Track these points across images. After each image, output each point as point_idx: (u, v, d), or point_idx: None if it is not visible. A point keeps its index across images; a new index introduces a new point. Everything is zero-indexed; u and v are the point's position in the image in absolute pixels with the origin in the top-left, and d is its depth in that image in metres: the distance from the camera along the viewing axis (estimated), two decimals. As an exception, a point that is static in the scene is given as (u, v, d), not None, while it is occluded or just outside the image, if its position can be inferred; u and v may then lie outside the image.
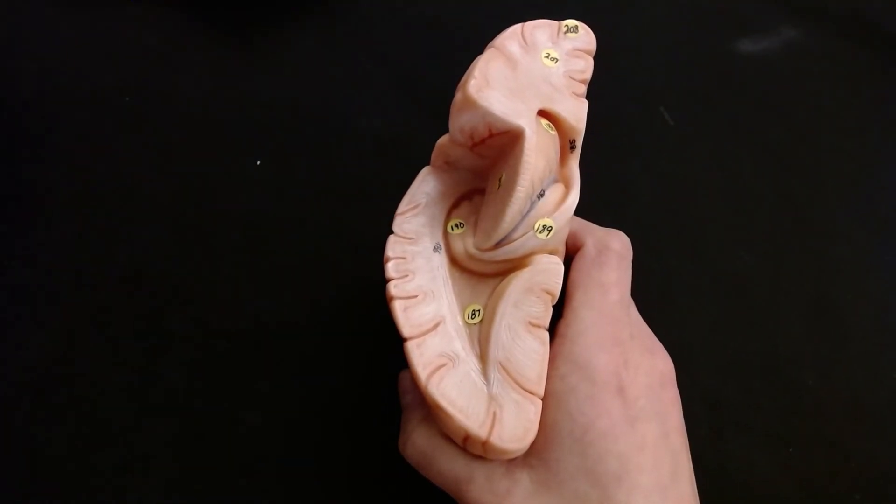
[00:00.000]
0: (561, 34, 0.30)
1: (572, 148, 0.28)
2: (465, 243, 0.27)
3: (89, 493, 0.31)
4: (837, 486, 0.34)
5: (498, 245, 0.26)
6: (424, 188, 0.29)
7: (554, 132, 0.27)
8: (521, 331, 0.25)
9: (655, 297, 0.38)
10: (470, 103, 0.26)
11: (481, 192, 0.29)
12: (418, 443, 0.27)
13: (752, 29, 0.47)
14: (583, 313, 0.26)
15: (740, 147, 0.42)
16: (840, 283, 0.39)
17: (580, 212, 0.30)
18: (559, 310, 0.27)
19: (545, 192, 0.26)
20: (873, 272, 0.39)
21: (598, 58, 0.45)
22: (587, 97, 0.29)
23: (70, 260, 0.35)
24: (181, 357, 0.34)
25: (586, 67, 0.29)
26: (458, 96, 0.26)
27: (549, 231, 0.26)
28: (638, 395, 0.25)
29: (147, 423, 0.33)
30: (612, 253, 0.27)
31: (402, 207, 0.29)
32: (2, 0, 0.43)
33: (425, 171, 0.30)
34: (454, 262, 0.28)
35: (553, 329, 0.26)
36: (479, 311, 0.27)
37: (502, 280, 0.27)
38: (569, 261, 0.28)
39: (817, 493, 0.33)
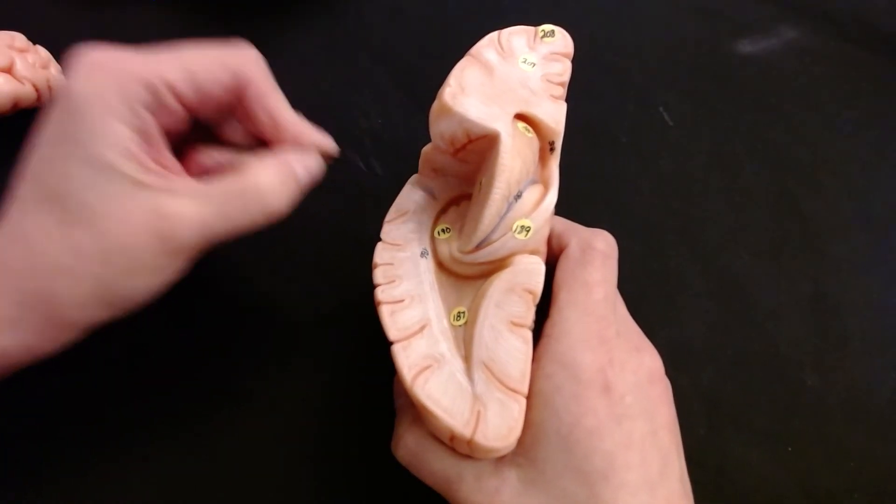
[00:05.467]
0: (538, 39, 0.30)
1: (552, 149, 0.28)
2: (450, 247, 0.28)
3: (87, 493, 0.31)
4: (837, 486, 0.34)
5: (479, 247, 0.27)
6: (412, 196, 0.30)
7: (532, 135, 0.27)
8: (504, 330, 0.25)
9: (655, 297, 0.38)
10: (446, 110, 0.26)
11: (468, 197, 0.30)
12: (409, 444, 0.27)
13: (752, 29, 0.47)
14: (567, 312, 0.26)
15: (740, 147, 0.42)
16: (840, 282, 0.39)
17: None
18: (547, 310, 0.27)
19: (522, 194, 0.27)
20: (873, 272, 0.39)
21: (599, 58, 0.45)
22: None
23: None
24: (179, 356, 0.34)
25: (564, 70, 0.29)
26: (435, 104, 0.27)
27: (528, 231, 0.26)
28: (624, 392, 0.25)
29: (144, 421, 0.33)
30: (597, 252, 0.28)
31: (390, 215, 0.30)
32: (7, 1, 0.44)
33: (413, 178, 0.31)
34: (441, 266, 0.29)
35: (540, 329, 0.26)
36: (464, 312, 0.27)
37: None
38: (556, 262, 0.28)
39: (816, 492, 0.33)
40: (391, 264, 0.28)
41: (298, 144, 0.28)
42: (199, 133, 0.29)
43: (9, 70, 0.37)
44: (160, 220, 0.24)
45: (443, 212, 0.30)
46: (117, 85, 0.23)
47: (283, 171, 0.26)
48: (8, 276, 0.23)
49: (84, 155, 0.23)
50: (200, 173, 0.27)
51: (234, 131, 0.29)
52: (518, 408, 0.24)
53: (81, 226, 0.23)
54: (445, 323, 0.27)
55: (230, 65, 0.26)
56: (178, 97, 0.25)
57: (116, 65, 0.24)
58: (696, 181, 0.41)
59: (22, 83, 0.37)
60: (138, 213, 0.23)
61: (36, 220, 0.23)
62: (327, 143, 0.29)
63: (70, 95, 0.23)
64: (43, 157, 0.24)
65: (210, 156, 0.28)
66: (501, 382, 0.25)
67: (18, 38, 0.39)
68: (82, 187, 0.23)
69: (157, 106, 0.24)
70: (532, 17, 0.32)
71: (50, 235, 0.23)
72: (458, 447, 0.25)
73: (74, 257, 0.23)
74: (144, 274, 0.24)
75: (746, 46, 0.46)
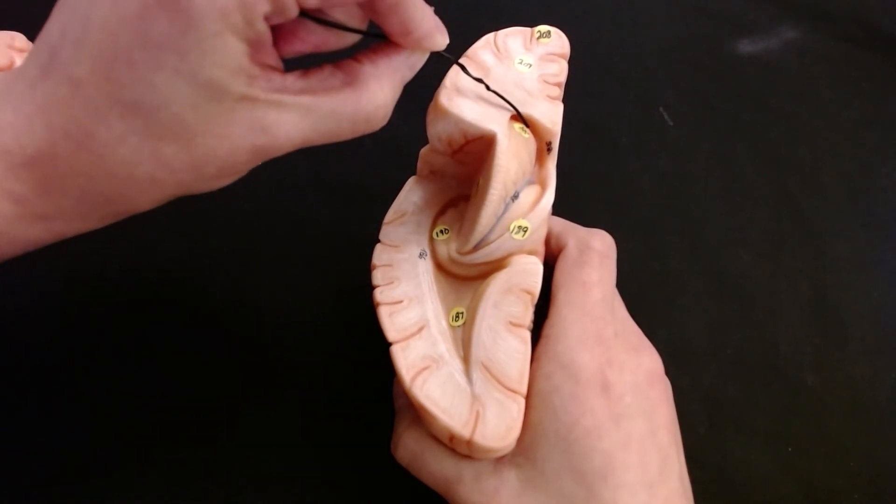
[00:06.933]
0: (534, 40, 0.30)
1: (549, 150, 0.28)
2: (448, 248, 0.28)
3: (87, 494, 0.31)
4: (837, 486, 0.34)
5: (476, 248, 0.27)
6: (411, 197, 0.30)
7: (528, 135, 0.27)
8: (502, 331, 0.25)
9: (655, 297, 0.38)
10: (441, 112, 0.26)
11: (466, 198, 0.30)
12: (408, 444, 0.27)
13: (752, 29, 0.47)
14: (565, 313, 0.26)
15: (740, 147, 0.43)
16: (840, 282, 0.39)
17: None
18: (546, 310, 0.27)
19: (519, 194, 0.27)
20: (873, 272, 0.39)
21: (599, 58, 0.45)
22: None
23: (68, 260, 0.35)
24: (179, 356, 0.34)
25: (560, 71, 0.29)
26: (431, 105, 0.27)
27: (525, 232, 0.26)
28: (623, 392, 0.25)
29: (145, 421, 0.33)
30: (594, 252, 0.27)
31: (388, 217, 0.30)
32: (7, 1, 0.44)
33: (412, 180, 0.31)
34: (439, 266, 0.29)
35: (539, 329, 0.26)
36: (462, 313, 0.27)
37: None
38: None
39: (816, 492, 0.33)
40: (390, 265, 0.28)
41: (418, 47, 0.24)
42: None
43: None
44: (262, 134, 0.21)
45: (441, 213, 0.30)
46: None
47: (396, 81, 0.24)
48: (73, 177, 0.21)
49: (189, 72, 0.20)
50: (298, 50, 0.24)
51: (343, 13, 0.24)
52: (517, 408, 0.24)
53: (173, 141, 0.21)
54: (444, 324, 0.27)
55: None
56: (303, 5, 0.21)
57: None
58: (696, 181, 0.41)
59: (22, 83, 0.37)
60: (240, 128, 0.21)
61: (113, 128, 0.20)
62: (443, 42, 0.25)
63: None
64: (129, 62, 0.20)
65: (312, 32, 0.24)
66: (500, 383, 0.25)
67: (18, 38, 0.39)
68: (181, 105, 0.20)
69: (277, 16, 0.21)
70: (532, 18, 0.32)
71: (131, 147, 0.21)
72: (458, 447, 0.25)
73: (160, 169, 0.21)
74: (228, 177, 0.23)
75: (746, 46, 0.46)
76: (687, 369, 0.36)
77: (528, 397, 0.25)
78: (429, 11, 0.24)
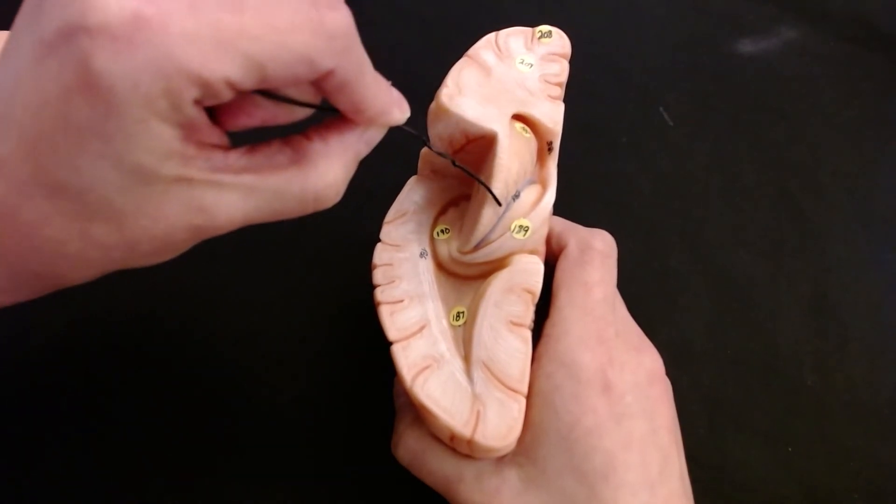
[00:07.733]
0: (535, 40, 0.30)
1: (550, 149, 0.28)
2: (449, 247, 0.28)
3: (87, 494, 0.31)
4: (837, 486, 0.34)
5: (477, 247, 0.27)
6: (412, 197, 0.30)
7: (529, 135, 0.28)
8: (503, 330, 0.25)
9: (655, 297, 0.38)
10: (443, 111, 0.26)
11: (467, 198, 0.30)
12: (409, 443, 0.27)
13: (752, 29, 0.47)
14: (567, 312, 0.26)
15: (740, 147, 0.43)
16: (839, 282, 0.39)
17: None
18: (547, 310, 0.27)
19: (520, 194, 0.27)
20: (872, 272, 0.39)
21: (599, 58, 0.45)
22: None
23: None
24: (178, 355, 0.34)
25: (561, 70, 0.29)
26: (432, 105, 0.27)
27: (526, 231, 0.26)
28: (624, 392, 0.25)
29: (145, 422, 0.33)
30: (595, 252, 0.28)
31: (389, 216, 0.30)
32: (7, 1, 0.44)
33: (413, 180, 0.31)
34: (440, 266, 0.29)
35: (540, 329, 0.27)
36: (463, 312, 0.27)
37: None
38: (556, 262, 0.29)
39: (816, 492, 0.33)
40: (390, 265, 0.28)
41: (373, 124, 0.23)
42: None
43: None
44: (200, 214, 0.21)
45: (442, 212, 0.30)
46: (163, 79, 0.18)
47: (348, 158, 0.23)
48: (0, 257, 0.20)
49: (114, 156, 0.19)
50: (244, 125, 0.23)
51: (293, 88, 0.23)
52: (517, 407, 0.24)
53: (103, 222, 0.20)
54: (445, 323, 0.27)
55: (311, 55, 0.20)
56: (237, 89, 0.20)
57: (160, 48, 0.18)
58: (696, 181, 0.41)
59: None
60: (176, 208, 0.20)
61: (38, 207, 0.19)
62: (401, 117, 0.24)
63: (95, 79, 0.18)
64: (52, 144, 0.19)
65: (259, 107, 0.22)
66: (501, 382, 0.25)
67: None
68: (107, 188, 0.19)
69: (210, 99, 0.19)
70: (533, 18, 0.32)
71: (58, 226, 0.20)
72: (459, 447, 0.25)
73: (90, 248, 0.20)
74: (166, 254, 0.22)
75: (746, 46, 0.46)
76: (687, 369, 0.36)
77: (529, 397, 0.25)
78: (383, 86, 0.23)
